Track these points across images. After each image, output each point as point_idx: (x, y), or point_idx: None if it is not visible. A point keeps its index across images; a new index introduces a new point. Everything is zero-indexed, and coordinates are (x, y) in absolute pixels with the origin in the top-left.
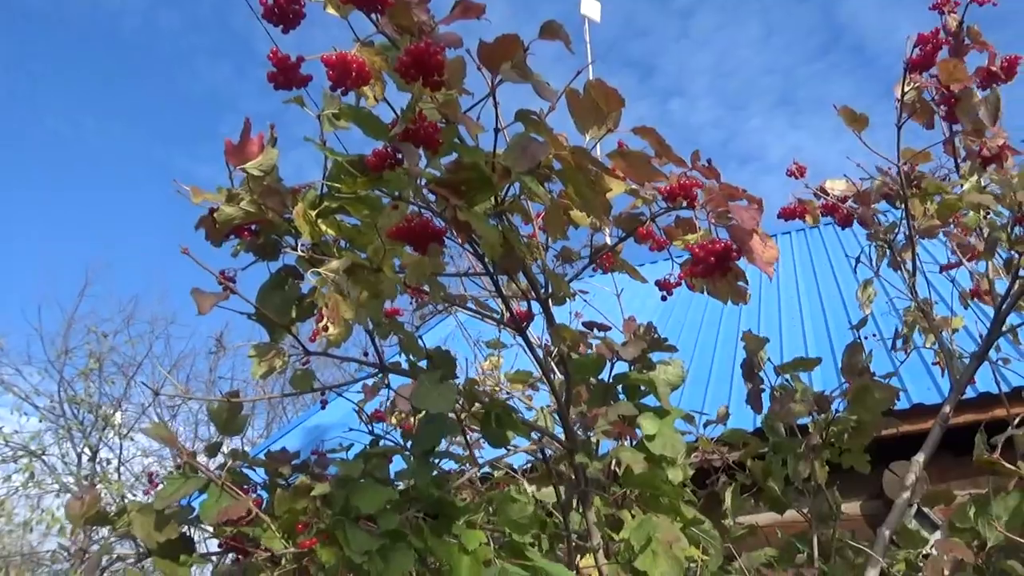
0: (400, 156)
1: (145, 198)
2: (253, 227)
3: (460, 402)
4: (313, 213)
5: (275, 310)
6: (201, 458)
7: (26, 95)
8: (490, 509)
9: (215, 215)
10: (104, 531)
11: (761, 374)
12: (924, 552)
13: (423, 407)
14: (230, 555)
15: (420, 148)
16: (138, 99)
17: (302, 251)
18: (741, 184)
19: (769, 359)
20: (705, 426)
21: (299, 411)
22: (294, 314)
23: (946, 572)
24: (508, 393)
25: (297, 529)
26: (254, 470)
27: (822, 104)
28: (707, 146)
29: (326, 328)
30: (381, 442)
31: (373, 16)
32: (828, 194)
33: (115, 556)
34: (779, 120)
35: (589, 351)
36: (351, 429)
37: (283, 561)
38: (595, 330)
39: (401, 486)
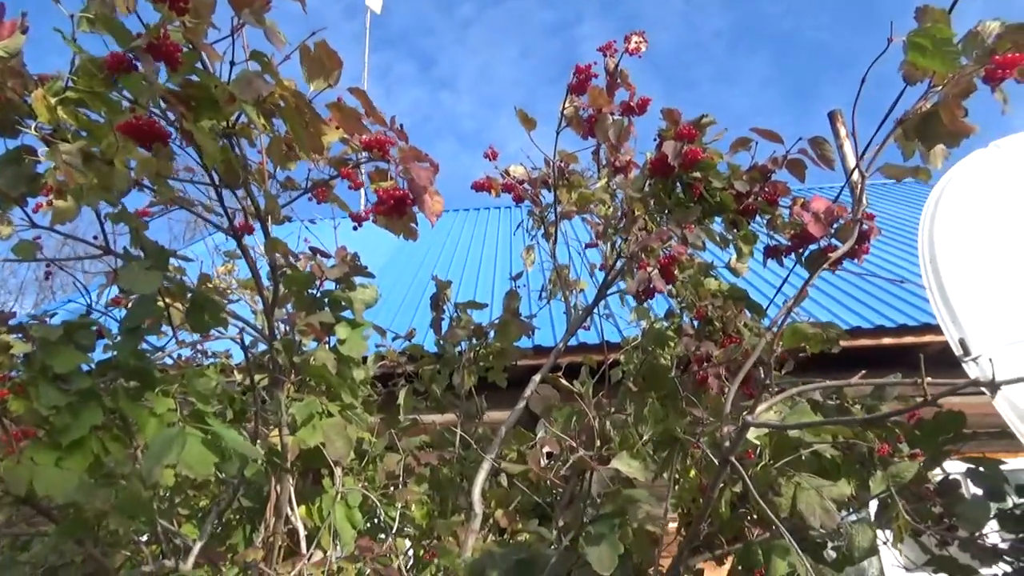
0: (138, 64)
1: None
2: None
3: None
4: (54, 100)
5: (6, 182)
6: None
7: None
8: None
9: None
10: None
11: (446, 307)
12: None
13: (127, 287)
14: None
15: (161, 62)
16: None
17: (40, 133)
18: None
19: (454, 297)
20: (394, 340)
21: (67, 293)
22: (25, 189)
23: (541, 460)
24: (239, 295)
25: None
26: None
27: (551, 116)
28: (465, 133)
29: (51, 203)
30: (101, 318)
31: None
32: (510, 175)
33: None
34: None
35: (309, 268)
36: (88, 307)
37: None
38: (317, 255)
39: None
